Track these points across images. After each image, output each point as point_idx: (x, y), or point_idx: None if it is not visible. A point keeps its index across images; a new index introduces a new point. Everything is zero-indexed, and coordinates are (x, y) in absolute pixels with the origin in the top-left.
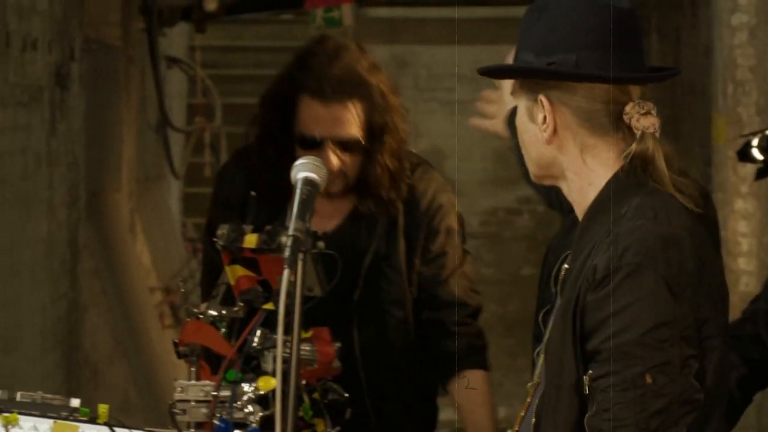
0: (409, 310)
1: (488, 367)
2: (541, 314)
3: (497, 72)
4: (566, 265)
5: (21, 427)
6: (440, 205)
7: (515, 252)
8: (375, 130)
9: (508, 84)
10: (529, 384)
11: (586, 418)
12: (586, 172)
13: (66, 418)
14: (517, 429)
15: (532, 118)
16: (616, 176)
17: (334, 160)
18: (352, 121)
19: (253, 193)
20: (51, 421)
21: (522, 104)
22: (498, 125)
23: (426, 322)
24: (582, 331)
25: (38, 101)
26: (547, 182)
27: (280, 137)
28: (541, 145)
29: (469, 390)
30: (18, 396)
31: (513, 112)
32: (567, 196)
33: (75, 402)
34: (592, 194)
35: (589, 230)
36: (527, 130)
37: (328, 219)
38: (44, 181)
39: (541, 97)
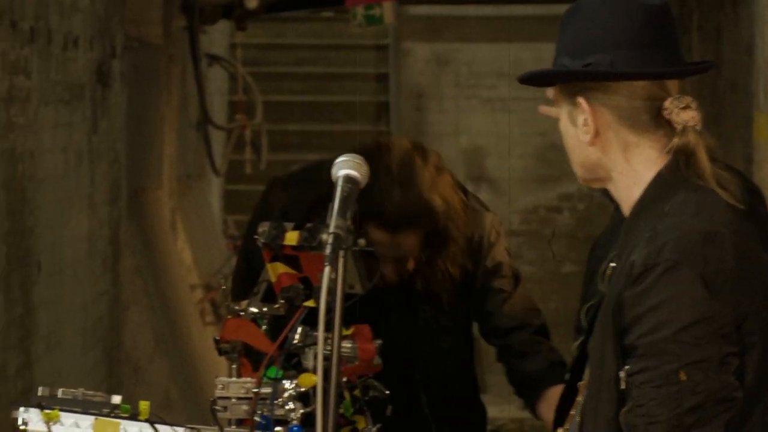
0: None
1: None
2: (585, 308)
3: (536, 78)
4: (613, 264)
5: (62, 424)
6: (490, 244)
7: (556, 250)
8: (437, 242)
9: None
10: (580, 383)
11: (621, 414)
12: (630, 171)
13: (107, 415)
14: (567, 428)
15: (573, 121)
16: (660, 174)
17: (391, 270)
18: (413, 244)
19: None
20: (92, 417)
21: (563, 109)
22: None
23: (498, 349)
24: (620, 326)
25: (80, 99)
26: (595, 185)
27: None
28: (585, 147)
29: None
30: (59, 393)
31: None
32: (614, 195)
33: (116, 399)
34: (637, 192)
35: (634, 228)
36: (569, 134)
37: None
38: (86, 178)
39: (580, 99)
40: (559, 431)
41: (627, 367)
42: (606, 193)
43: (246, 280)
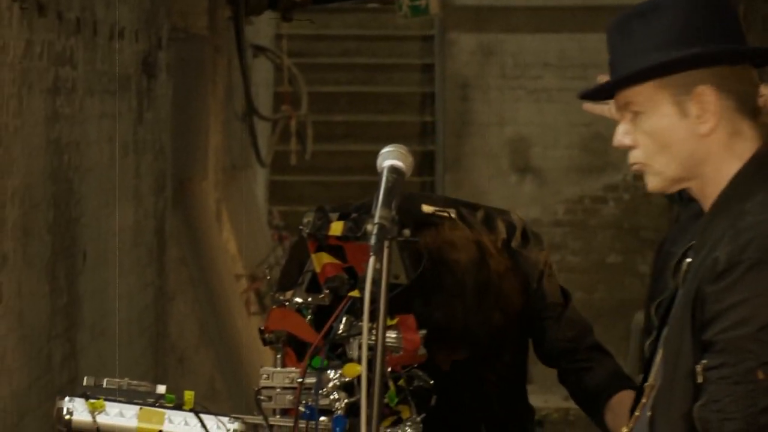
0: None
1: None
2: (654, 305)
3: (642, 74)
4: (689, 259)
5: (107, 413)
6: (539, 280)
7: (601, 240)
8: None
9: None
10: (646, 384)
11: (695, 408)
12: (726, 165)
13: (152, 405)
14: (631, 426)
15: (684, 114)
16: (743, 170)
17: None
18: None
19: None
20: (137, 407)
21: (663, 106)
22: (614, 110)
23: (558, 372)
24: (700, 321)
25: (125, 90)
26: (683, 185)
27: None
28: (695, 141)
29: (621, 414)
30: (104, 383)
31: None
32: (697, 192)
33: (161, 388)
34: (721, 188)
35: (713, 224)
36: (676, 130)
37: None
38: (131, 169)
39: (702, 88)
40: (624, 430)
41: (704, 361)
42: (672, 198)
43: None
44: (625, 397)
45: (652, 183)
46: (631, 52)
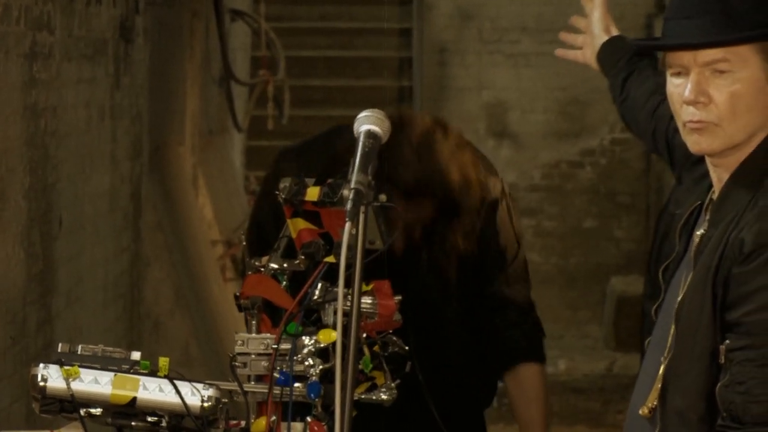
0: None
1: (544, 360)
2: (662, 269)
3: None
4: (701, 230)
5: (82, 380)
6: (497, 204)
7: (577, 205)
8: (449, 212)
9: (597, 13)
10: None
11: (717, 388)
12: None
13: (127, 371)
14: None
15: None
16: (766, 140)
17: (398, 239)
18: (426, 211)
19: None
20: (112, 374)
21: (755, 70)
22: (587, 55)
23: (487, 316)
24: (723, 301)
25: (102, 55)
26: (734, 153)
27: None
28: (765, 108)
29: (522, 384)
30: (79, 349)
31: (606, 47)
32: (724, 162)
33: (136, 355)
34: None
35: (731, 196)
36: (761, 96)
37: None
38: (108, 134)
39: None
40: (644, 409)
41: (727, 342)
42: (659, 150)
43: (255, 247)
44: (534, 370)
45: (712, 145)
46: (730, 8)
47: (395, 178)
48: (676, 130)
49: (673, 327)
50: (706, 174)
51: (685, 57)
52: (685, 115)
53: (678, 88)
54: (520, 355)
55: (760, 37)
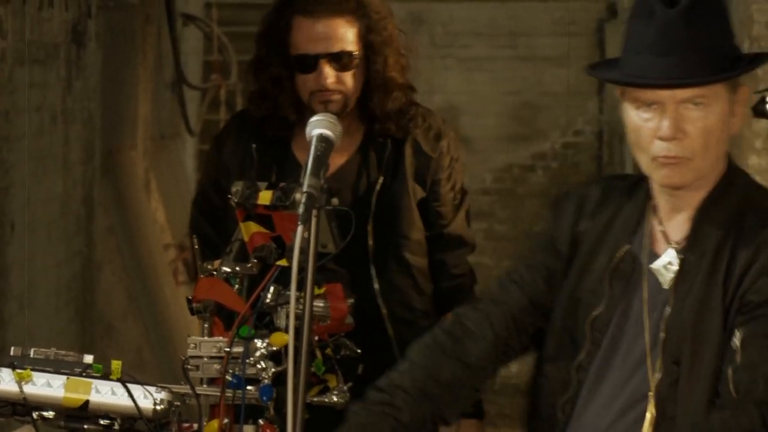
0: (422, 252)
1: None
2: (590, 320)
3: (740, 73)
4: (671, 259)
5: (34, 383)
6: (447, 142)
7: (528, 208)
8: (373, 45)
9: None
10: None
11: (731, 372)
12: (722, 166)
13: (79, 375)
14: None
15: (731, 113)
16: (729, 169)
17: (329, 75)
18: (344, 37)
19: (254, 145)
20: (64, 377)
21: (723, 104)
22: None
23: (431, 263)
24: (734, 295)
25: (54, 59)
26: (692, 190)
27: (276, 62)
28: (727, 140)
29: None
30: (32, 352)
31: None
32: (685, 196)
33: (88, 358)
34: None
35: (707, 223)
36: (725, 128)
37: (339, 154)
38: (60, 138)
39: (744, 89)
40: None
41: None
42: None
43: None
44: None
45: (684, 178)
46: (705, 45)
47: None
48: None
49: (660, 363)
50: (612, 218)
51: (664, 94)
52: (657, 150)
53: (649, 122)
54: (456, 302)
55: (741, 73)
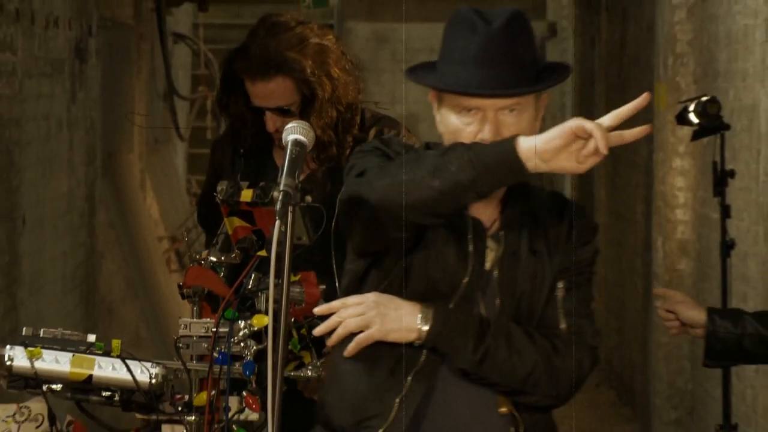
0: None
1: None
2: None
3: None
4: (492, 235)
5: (44, 360)
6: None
7: None
8: (307, 98)
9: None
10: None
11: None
12: None
13: (84, 352)
14: None
15: (537, 117)
16: None
17: (270, 124)
18: (280, 94)
19: (242, 150)
20: (70, 354)
21: (530, 109)
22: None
23: None
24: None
25: (60, 73)
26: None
27: (234, 107)
28: None
29: None
30: (41, 332)
31: None
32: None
33: (91, 337)
34: None
35: (514, 207)
36: (532, 130)
37: (310, 164)
38: (65, 143)
39: (545, 95)
40: None
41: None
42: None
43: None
44: None
45: None
46: (520, 59)
47: (243, 62)
48: None
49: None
50: None
51: (486, 102)
52: None
53: (470, 126)
54: None
55: (554, 85)
